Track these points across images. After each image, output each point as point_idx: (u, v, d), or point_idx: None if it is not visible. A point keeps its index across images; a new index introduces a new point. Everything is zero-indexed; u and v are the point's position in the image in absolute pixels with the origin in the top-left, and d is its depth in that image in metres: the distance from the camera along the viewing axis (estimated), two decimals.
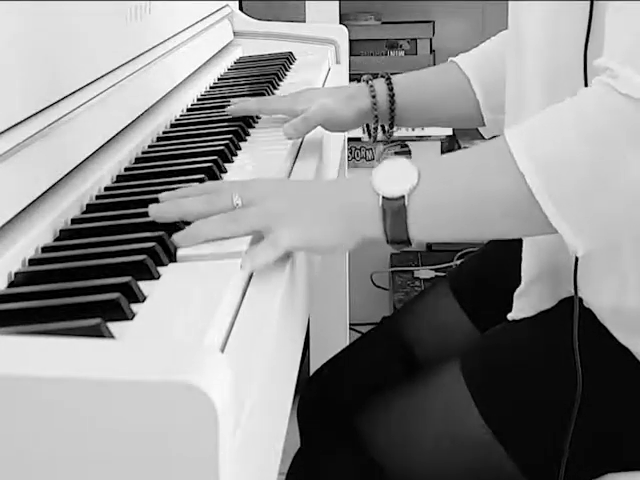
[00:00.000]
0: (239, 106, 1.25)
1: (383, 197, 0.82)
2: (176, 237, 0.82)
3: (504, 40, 1.22)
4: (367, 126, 1.27)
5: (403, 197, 0.82)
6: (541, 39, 0.97)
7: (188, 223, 0.85)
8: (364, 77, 1.26)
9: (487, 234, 0.88)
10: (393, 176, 0.83)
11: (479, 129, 1.30)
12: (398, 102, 1.24)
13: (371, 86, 1.23)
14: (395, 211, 0.82)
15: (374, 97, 1.23)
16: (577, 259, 0.94)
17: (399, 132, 2.11)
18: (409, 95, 1.25)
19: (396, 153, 1.28)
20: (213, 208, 0.84)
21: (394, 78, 1.25)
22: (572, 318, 0.94)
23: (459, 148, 2.23)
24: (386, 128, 1.26)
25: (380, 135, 1.27)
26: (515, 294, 1.05)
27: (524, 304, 1.04)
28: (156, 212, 0.85)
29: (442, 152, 2.23)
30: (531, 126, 0.83)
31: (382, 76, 1.25)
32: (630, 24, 0.82)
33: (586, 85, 0.90)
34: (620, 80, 0.78)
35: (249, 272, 0.79)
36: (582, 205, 0.79)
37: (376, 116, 1.23)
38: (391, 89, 1.24)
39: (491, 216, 0.82)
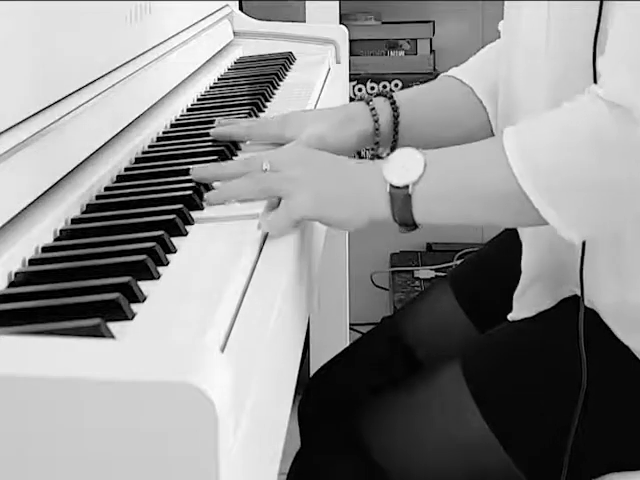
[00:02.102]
0: (225, 130, 1.14)
1: (390, 185, 0.89)
2: (209, 194, 0.93)
3: (494, 50, 1.21)
4: (367, 150, 1.25)
5: (408, 186, 0.89)
6: (537, 42, 0.98)
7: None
8: (365, 97, 1.17)
9: (483, 221, 0.93)
10: (401, 165, 0.90)
11: None
12: (402, 123, 1.16)
13: (372, 108, 1.14)
14: (401, 198, 0.89)
15: (377, 121, 1.14)
16: (583, 257, 0.95)
17: None
18: (413, 113, 1.17)
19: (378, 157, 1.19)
20: (245, 169, 0.94)
21: (396, 96, 1.17)
22: (574, 317, 0.95)
23: None
24: (386, 152, 1.17)
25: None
26: (515, 294, 1.05)
27: (524, 304, 1.04)
28: (196, 172, 0.97)
29: None
30: (525, 127, 0.89)
31: (382, 94, 1.17)
32: (631, 25, 0.83)
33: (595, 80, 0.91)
34: (606, 87, 0.85)
35: (264, 233, 0.86)
36: (567, 198, 0.85)
37: (377, 142, 1.16)
38: (395, 109, 1.15)
39: (486, 206, 0.89)
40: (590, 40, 0.91)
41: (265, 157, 0.94)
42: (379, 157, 1.19)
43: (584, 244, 0.95)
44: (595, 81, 0.91)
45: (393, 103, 1.16)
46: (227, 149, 1.10)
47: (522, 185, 0.85)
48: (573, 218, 0.86)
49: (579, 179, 0.85)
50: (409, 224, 0.90)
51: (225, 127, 1.14)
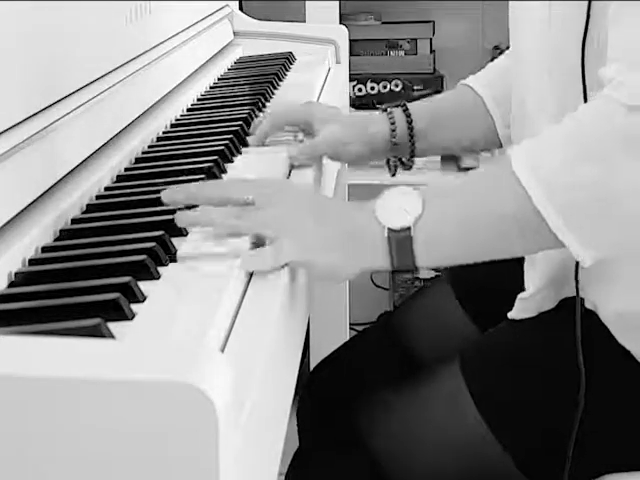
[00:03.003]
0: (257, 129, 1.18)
1: (389, 229, 0.83)
2: (179, 214, 0.83)
3: (509, 57, 1.22)
4: (387, 161, 1.24)
5: (409, 228, 0.82)
6: (538, 50, 0.98)
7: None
8: (381, 107, 1.21)
9: (495, 255, 0.87)
10: (397, 207, 0.83)
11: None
12: (417, 128, 1.19)
13: (390, 112, 1.19)
14: (401, 242, 0.82)
15: (393, 124, 1.18)
16: (577, 264, 0.94)
17: None
18: (425, 121, 1.20)
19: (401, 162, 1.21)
20: (223, 195, 0.86)
21: (411, 105, 1.20)
22: (574, 319, 0.94)
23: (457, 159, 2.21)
24: (405, 159, 1.21)
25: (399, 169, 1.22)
26: (519, 297, 1.05)
27: (525, 305, 1.04)
28: (167, 195, 0.87)
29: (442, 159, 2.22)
30: (533, 145, 0.84)
31: (397, 105, 1.20)
32: (629, 24, 0.82)
33: (584, 85, 0.91)
34: (620, 90, 0.80)
35: (245, 272, 0.79)
36: (586, 217, 0.80)
37: (395, 144, 1.18)
38: (408, 115, 1.19)
39: (498, 237, 0.84)
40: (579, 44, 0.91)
41: (248, 188, 0.86)
42: (402, 163, 1.21)
43: None
44: (584, 85, 0.90)
45: (406, 110, 1.19)
46: (227, 149, 1.10)
47: (536, 204, 0.80)
48: (592, 238, 0.81)
49: (602, 193, 0.79)
50: (409, 269, 0.84)
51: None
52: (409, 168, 1.22)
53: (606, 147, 0.80)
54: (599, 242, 0.82)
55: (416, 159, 1.22)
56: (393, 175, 1.24)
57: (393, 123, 1.18)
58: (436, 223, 0.83)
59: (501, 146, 1.23)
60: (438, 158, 2.19)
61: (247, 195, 0.84)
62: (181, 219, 0.84)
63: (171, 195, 0.87)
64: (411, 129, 1.19)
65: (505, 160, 0.83)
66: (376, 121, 1.19)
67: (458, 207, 0.84)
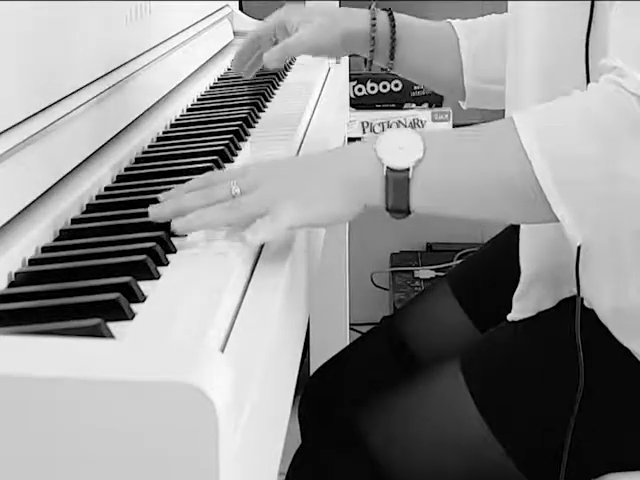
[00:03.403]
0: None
1: (387, 167, 0.82)
2: (176, 223, 0.82)
3: (500, 20, 1.23)
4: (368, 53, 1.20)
5: (408, 169, 0.82)
6: (540, 35, 0.98)
7: None
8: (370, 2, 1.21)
9: (487, 214, 0.87)
10: (398, 147, 0.83)
11: (459, 102, 1.27)
12: (398, 42, 1.19)
13: (373, 11, 1.19)
14: (398, 182, 0.82)
15: (374, 25, 1.18)
16: (578, 258, 0.94)
17: None
18: (409, 39, 1.21)
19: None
20: (211, 200, 0.84)
21: (397, 17, 1.21)
22: (573, 317, 0.94)
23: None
24: (386, 56, 1.21)
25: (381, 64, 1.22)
26: (514, 296, 1.05)
27: (524, 305, 1.04)
28: (154, 213, 0.85)
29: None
30: (539, 115, 0.83)
31: (385, 9, 1.21)
32: (636, 24, 0.82)
33: (588, 82, 0.91)
34: (628, 79, 0.79)
35: (249, 245, 0.79)
36: (585, 194, 0.80)
37: (373, 38, 1.18)
38: (393, 25, 1.19)
39: (493, 197, 0.83)
40: (581, 33, 0.91)
41: (227, 179, 0.84)
42: (372, 63, 1.21)
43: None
44: (587, 76, 0.91)
45: (392, 20, 1.19)
46: (227, 148, 1.10)
47: (536, 172, 0.79)
48: (586, 212, 0.80)
49: (605, 172, 0.79)
50: (402, 211, 0.83)
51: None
52: (391, 67, 1.21)
53: (615, 130, 0.79)
54: (593, 221, 0.81)
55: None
56: (369, 69, 1.24)
57: (374, 25, 1.18)
58: (435, 170, 0.83)
59: (464, 98, 1.23)
60: None
61: (233, 189, 0.83)
62: (178, 227, 0.82)
63: (159, 214, 0.85)
64: (393, 32, 1.19)
65: (508, 123, 0.83)
66: (355, 18, 1.19)
67: (458, 160, 0.83)
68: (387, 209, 0.83)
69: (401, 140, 0.83)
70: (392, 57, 1.20)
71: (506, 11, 1.08)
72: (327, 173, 0.84)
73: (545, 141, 0.80)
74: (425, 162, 0.82)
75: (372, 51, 1.19)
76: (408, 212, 0.84)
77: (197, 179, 0.88)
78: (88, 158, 1.01)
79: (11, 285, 0.76)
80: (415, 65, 1.23)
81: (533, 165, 0.80)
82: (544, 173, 0.79)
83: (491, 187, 0.83)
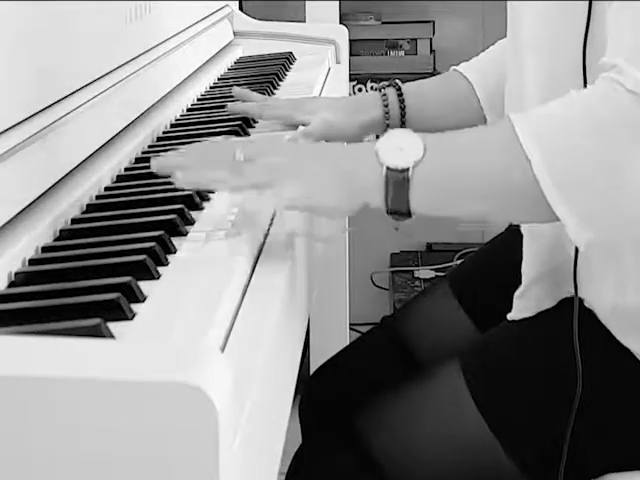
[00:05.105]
0: (240, 107, 1.23)
1: (387, 168, 0.82)
2: (179, 174, 0.83)
3: (503, 46, 1.22)
4: (377, 137, 1.24)
5: (407, 170, 0.82)
6: (539, 38, 0.98)
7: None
8: (375, 86, 1.23)
9: (487, 215, 0.87)
10: (398, 147, 0.83)
11: None
12: (409, 113, 1.21)
13: (384, 95, 1.20)
14: (398, 182, 0.82)
15: (387, 106, 1.20)
16: (576, 258, 0.94)
17: None
18: (416, 104, 1.22)
19: None
20: (215, 161, 0.85)
21: (405, 88, 1.22)
22: (572, 317, 0.94)
23: None
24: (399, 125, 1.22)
25: None
26: (515, 295, 1.05)
27: (524, 305, 1.04)
28: (157, 163, 0.86)
29: None
30: (538, 115, 0.83)
31: (390, 85, 1.22)
32: (634, 23, 0.82)
33: (585, 83, 0.91)
34: (626, 77, 0.79)
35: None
36: (584, 193, 0.80)
37: (387, 125, 1.19)
38: (402, 100, 1.21)
39: (494, 197, 0.83)
40: (580, 35, 0.91)
41: (237, 145, 0.86)
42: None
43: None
44: (585, 78, 0.91)
45: (400, 94, 1.21)
46: None
47: (535, 172, 0.79)
48: (586, 211, 0.80)
49: (600, 167, 0.78)
50: (402, 212, 0.83)
51: (239, 105, 1.23)
52: None
53: (613, 128, 0.79)
54: (593, 219, 0.80)
55: None
56: None
57: (387, 106, 1.20)
58: (435, 171, 0.83)
59: None
60: None
61: (238, 154, 0.84)
62: (181, 179, 0.84)
63: (162, 163, 0.87)
64: (403, 114, 1.20)
65: (506, 123, 0.82)
66: (369, 105, 1.20)
67: (457, 160, 0.83)
68: (388, 211, 0.83)
69: (401, 141, 0.83)
70: (404, 125, 1.21)
71: (506, 11, 1.08)
72: (330, 163, 0.85)
73: (543, 140, 0.80)
74: (425, 162, 0.82)
75: (385, 129, 1.20)
76: (408, 214, 0.83)
77: (202, 143, 0.89)
78: (88, 158, 1.01)
79: (11, 285, 0.76)
80: (431, 125, 1.20)
81: (532, 164, 0.80)
82: (542, 172, 0.79)
83: (491, 187, 0.83)
